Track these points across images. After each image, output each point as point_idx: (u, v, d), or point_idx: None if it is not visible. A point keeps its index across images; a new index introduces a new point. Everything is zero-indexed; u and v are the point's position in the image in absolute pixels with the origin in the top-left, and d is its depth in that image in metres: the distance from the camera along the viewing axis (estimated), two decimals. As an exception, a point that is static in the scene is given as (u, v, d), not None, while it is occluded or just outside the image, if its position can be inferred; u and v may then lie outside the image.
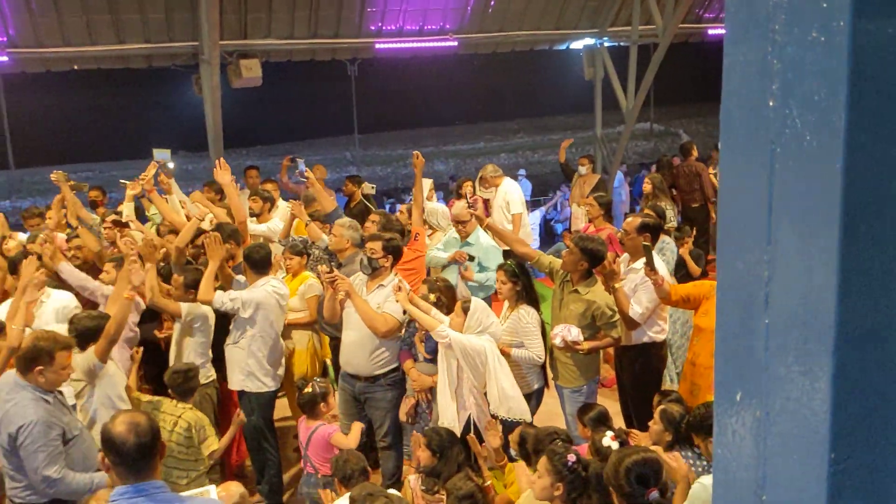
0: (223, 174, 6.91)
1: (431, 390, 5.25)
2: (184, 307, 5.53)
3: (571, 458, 3.61)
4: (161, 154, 7.85)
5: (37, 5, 10.13)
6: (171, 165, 7.73)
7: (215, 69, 10.59)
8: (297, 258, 6.31)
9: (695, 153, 10.48)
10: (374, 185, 8.89)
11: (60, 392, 4.13)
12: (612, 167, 13.48)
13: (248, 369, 5.55)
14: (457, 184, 9.94)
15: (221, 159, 7.12)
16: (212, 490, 4.27)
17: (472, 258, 6.56)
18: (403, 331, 5.43)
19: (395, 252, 5.46)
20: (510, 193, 9.06)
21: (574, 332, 5.19)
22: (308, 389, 5.04)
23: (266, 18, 11.21)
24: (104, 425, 2.70)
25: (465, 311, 4.95)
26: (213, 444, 4.91)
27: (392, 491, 4.27)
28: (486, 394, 4.95)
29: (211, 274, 5.48)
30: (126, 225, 6.76)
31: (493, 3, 12.37)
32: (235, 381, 5.64)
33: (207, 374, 5.61)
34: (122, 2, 10.36)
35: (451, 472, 4.41)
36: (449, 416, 4.91)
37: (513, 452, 4.71)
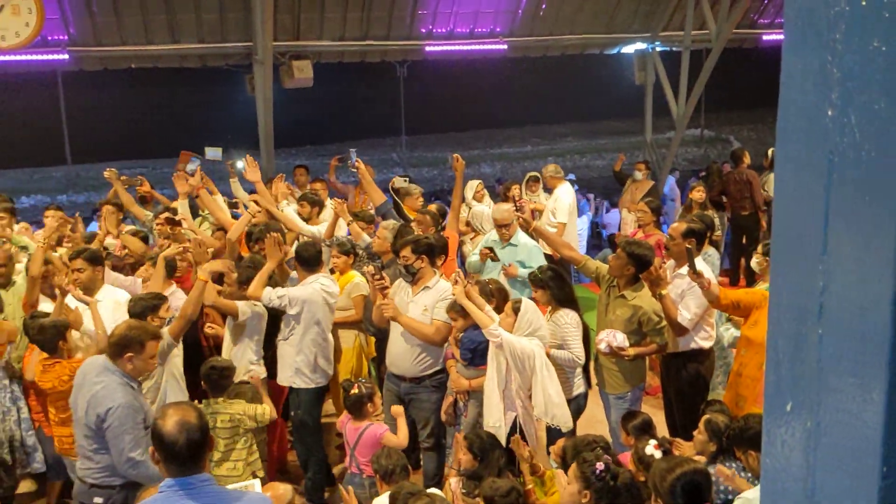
0: (253, 172, 7.02)
1: (469, 392, 5.26)
2: (241, 306, 5.61)
3: (600, 466, 3.57)
4: (213, 152, 7.95)
5: (97, 6, 10.40)
6: (239, 164, 7.77)
7: (268, 69, 10.75)
8: (345, 257, 6.37)
9: (746, 160, 10.32)
10: (407, 177, 8.70)
11: (138, 382, 4.26)
12: (662, 173, 13.33)
13: (296, 366, 5.62)
14: (503, 187, 9.94)
15: (248, 157, 7.19)
16: (256, 484, 4.33)
17: (494, 258, 6.57)
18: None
19: (427, 251, 5.43)
20: (560, 200, 9.04)
21: (619, 338, 5.16)
22: (354, 391, 5.07)
23: (318, 19, 11.33)
24: (155, 421, 2.75)
25: (516, 311, 4.96)
26: (266, 411, 5.11)
27: (434, 490, 4.29)
28: (531, 397, 4.95)
29: (266, 273, 5.55)
30: (178, 223, 6.88)
31: (544, 6, 12.33)
32: (284, 378, 5.71)
33: (259, 372, 5.70)
34: (177, 2, 10.57)
35: (492, 477, 4.40)
36: (495, 417, 4.91)
37: (553, 464, 4.69)
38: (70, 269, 5.62)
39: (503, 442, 4.70)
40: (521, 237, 6.66)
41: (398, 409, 5.18)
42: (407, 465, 4.50)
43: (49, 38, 10.54)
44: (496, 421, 4.89)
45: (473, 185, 8.98)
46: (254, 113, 11.51)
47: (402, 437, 4.97)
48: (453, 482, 4.63)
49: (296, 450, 6.06)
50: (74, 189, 23.98)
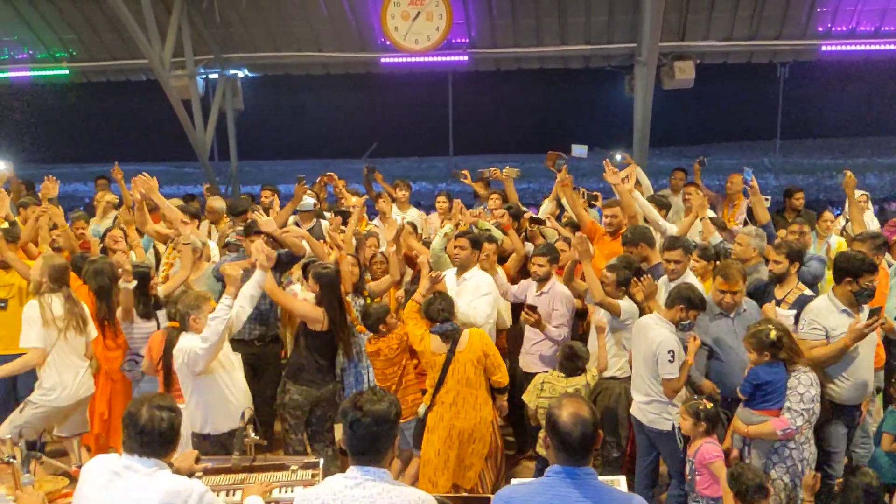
0: (613, 175, 7.04)
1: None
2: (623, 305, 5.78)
3: None
4: (579, 149, 8.16)
5: (497, 10, 11.25)
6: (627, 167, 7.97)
7: (651, 70, 10.79)
8: (705, 262, 6.24)
9: None
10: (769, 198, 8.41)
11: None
12: None
13: None
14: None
15: (606, 160, 7.19)
16: (622, 480, 4.42)
17: None
18: None
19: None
20: None
21: None
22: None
23: (705, 19, 11.11)
24: (552, 409, 2.91)
25: None
26: None
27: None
28: None
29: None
30: (542, 222, 7.20)
31: (975, -2, 10.80)
32: None
33: None
34: (570, 5, 11.03)
35: None
36: None
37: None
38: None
39: None
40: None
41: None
42: (764, 484, 4.25)
43: (453, 41, 11.64)
44: None
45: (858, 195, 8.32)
46: (623, 113, 11.63)
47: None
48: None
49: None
50: (454, 178, 26.01)
